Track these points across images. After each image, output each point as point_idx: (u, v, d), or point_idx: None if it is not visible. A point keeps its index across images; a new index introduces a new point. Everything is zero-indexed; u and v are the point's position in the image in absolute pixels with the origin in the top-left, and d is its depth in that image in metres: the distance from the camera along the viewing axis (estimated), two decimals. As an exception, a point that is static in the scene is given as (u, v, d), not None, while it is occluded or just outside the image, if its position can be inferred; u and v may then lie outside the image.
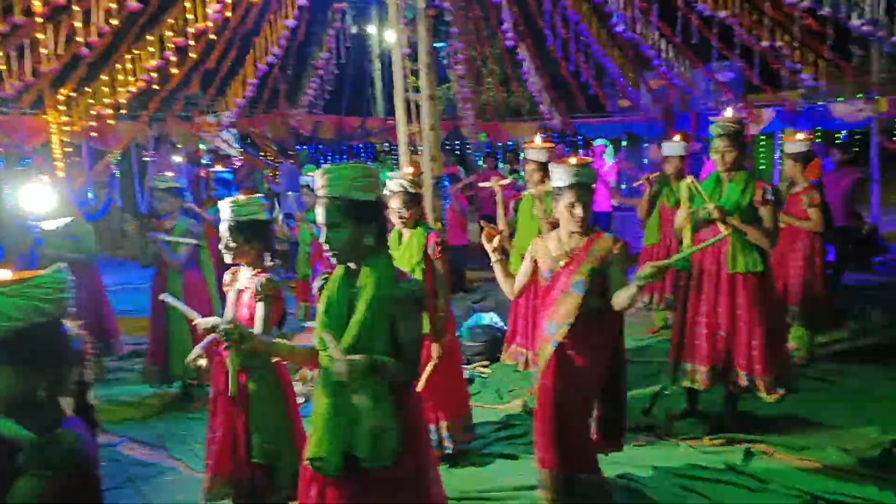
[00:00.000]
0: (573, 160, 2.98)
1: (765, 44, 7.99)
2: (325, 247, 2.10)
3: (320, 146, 13.34)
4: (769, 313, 3.83)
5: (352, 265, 2.14)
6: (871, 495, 3.25)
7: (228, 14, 7.31)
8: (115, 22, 6.49)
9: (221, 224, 2.94)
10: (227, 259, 2.96)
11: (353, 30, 10.88)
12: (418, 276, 3.58)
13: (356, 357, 1.95)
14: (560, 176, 2.92)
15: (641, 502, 3.30)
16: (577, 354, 2.92)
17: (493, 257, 3.07)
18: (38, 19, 6.02)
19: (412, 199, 3.56)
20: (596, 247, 2.92)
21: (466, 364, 5.43)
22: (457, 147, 13.56)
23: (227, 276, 3.10)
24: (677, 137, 5.49)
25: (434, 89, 5.81)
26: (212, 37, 7.65)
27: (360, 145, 16.08)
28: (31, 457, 1.43)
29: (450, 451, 3.65)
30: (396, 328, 2.08)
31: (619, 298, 2.86)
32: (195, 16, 7.05)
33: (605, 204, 8.97)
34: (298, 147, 13.76)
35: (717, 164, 3.87)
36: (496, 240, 3.03)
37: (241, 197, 2.97)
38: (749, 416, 4.08)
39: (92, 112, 8.32)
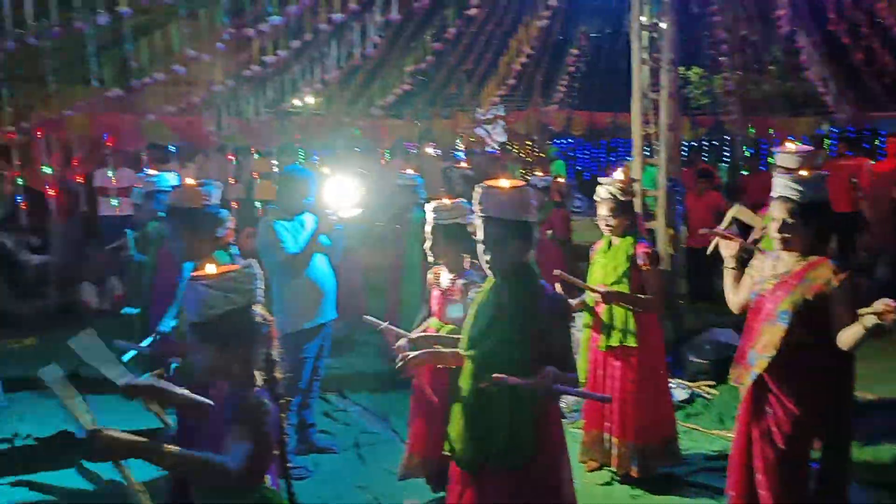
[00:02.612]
0: (803, 172, 2.63)
1: None
2: (483, 262, 2.24)
3: (570, 141, 13.27)
4: None
5: (502, 278, 2.26)
6: None
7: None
8: (382, 35, 7.30)
9: (426, 225, 3.18)
10: (430, 258, 3.20)
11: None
12: (623, 286, 3.47)
13: (550, 373, 1.98)
14: (775, 184, 2.59)
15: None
16: (779, 392, 2.56)
17: (727, 263, 2.91)
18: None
19: (620, 208, 3.46)
20: (811, 275, 2.51)
21: (690, 382, 5.07)
22: (716, 144, 12.46)
23: (429, 275, 3.36)
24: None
25: (676, 87, 5.45)
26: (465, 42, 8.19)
27: (620, 140, 15.66)
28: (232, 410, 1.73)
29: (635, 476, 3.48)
30: (544, 342, 2.13)
31: (843, 338, 2.43)
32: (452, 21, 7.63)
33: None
34: (553, 142, 13.86)
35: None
36: (733, 245, 2.87)
37: (446, 201, 3.18)
38: None
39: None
